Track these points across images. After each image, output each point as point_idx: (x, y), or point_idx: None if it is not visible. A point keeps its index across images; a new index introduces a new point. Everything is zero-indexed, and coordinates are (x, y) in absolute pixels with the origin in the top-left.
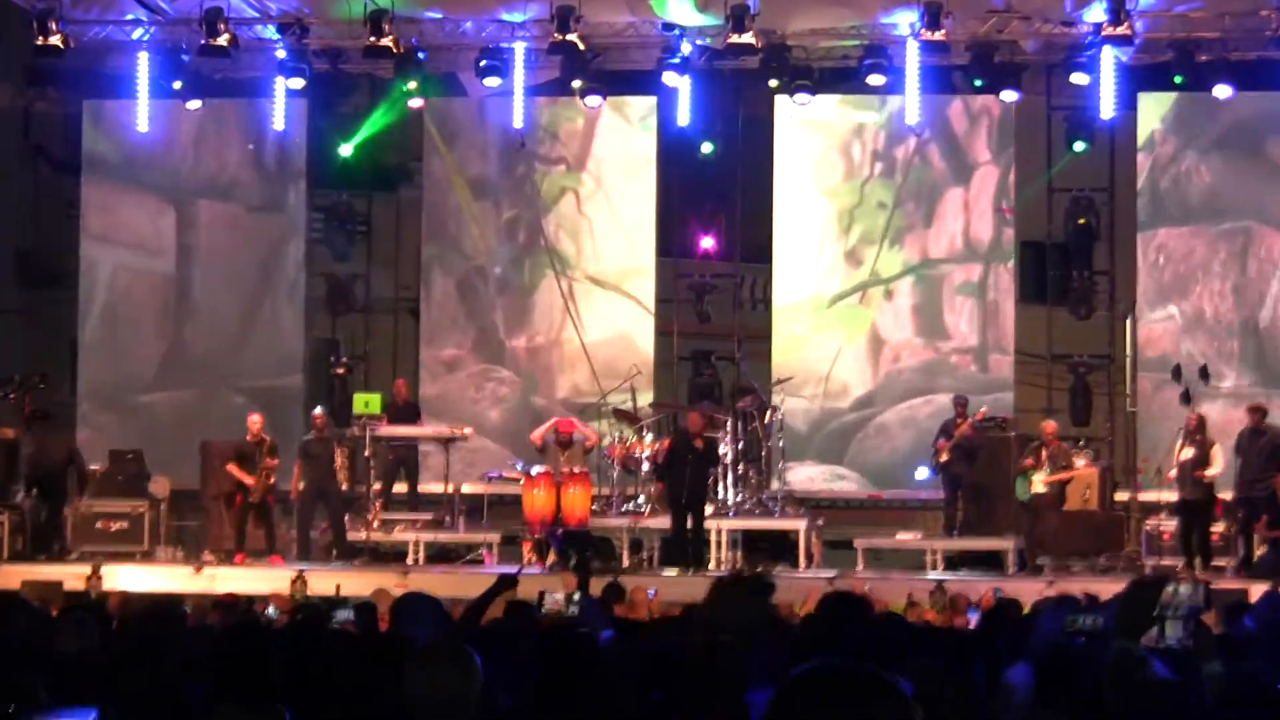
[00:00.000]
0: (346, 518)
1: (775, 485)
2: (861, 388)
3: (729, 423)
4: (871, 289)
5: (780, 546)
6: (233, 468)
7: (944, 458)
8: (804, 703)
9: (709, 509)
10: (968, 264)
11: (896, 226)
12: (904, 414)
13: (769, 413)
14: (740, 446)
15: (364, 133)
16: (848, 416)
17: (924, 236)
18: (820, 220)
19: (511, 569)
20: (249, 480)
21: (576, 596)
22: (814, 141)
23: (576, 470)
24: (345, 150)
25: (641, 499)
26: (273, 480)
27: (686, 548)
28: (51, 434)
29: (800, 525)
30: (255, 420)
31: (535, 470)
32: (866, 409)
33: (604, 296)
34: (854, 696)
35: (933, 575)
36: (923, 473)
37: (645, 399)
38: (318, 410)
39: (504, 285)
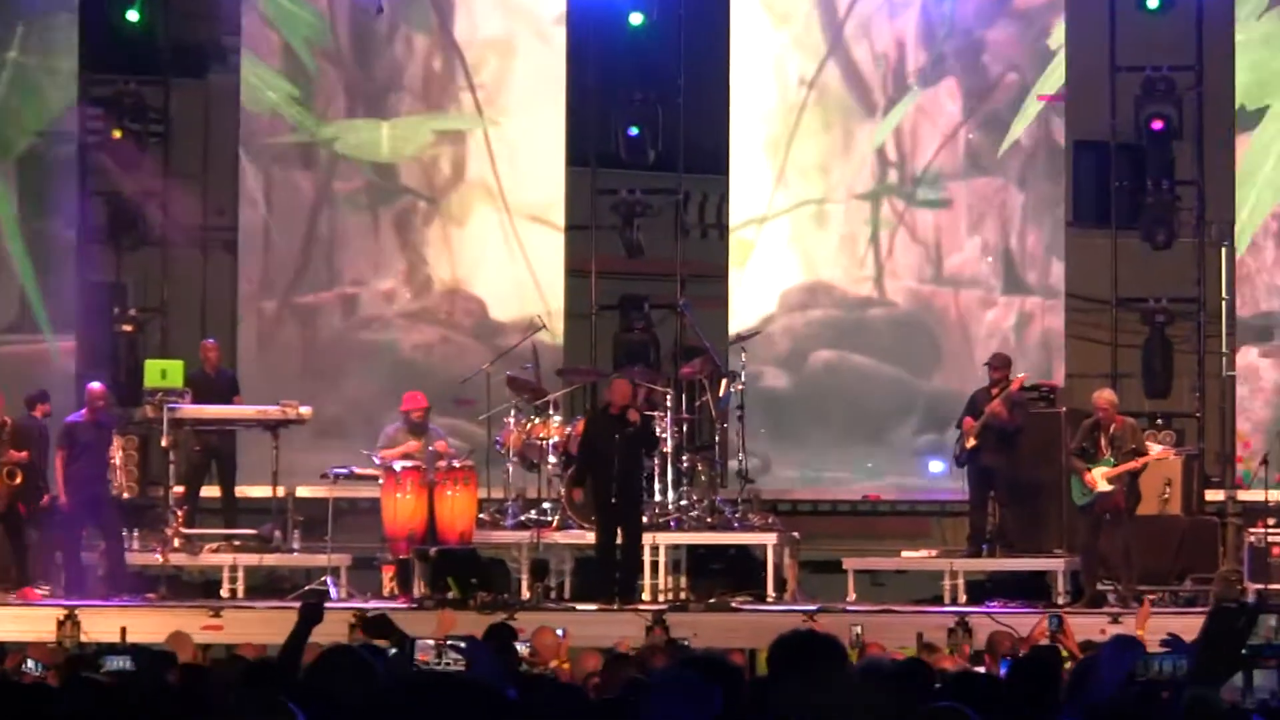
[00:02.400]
0: (136, 534)
1: (735, 483)
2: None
3: (669, 397)
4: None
5: (741, 569)
6: None
7: (971, 442)
8: None
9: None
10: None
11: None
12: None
13: (725, 382)
14: (685, 430)
15: None
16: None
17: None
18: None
19: (330, 589)
20: None
21: (462, 645)
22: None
23: (457, 465)
24: (132, 15)
25: (548, 505)
26: (19, 480)
27: (612, 571)
28: None
29: (769, 540)
30: None
31: (400, 465)
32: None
33: (490, 220)
34: None
35: (953, 609)
36: (937, 465)
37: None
38: (96, 384)
39: (355, 208)
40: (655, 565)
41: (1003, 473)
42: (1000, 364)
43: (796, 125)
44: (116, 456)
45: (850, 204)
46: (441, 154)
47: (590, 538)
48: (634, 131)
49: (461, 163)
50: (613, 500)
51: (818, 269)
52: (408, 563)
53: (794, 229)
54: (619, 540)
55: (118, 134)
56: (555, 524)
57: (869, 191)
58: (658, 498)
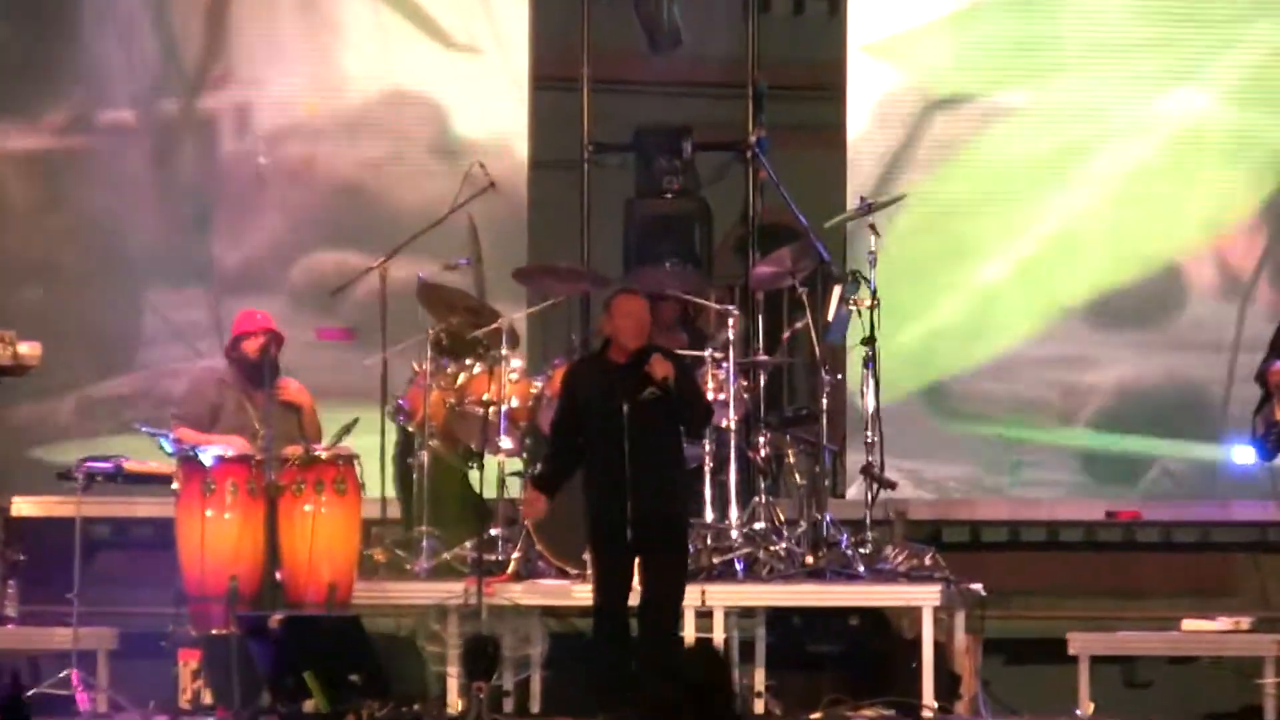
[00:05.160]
0: None
1: (855, 490)
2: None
3: (732, 322)
4: None
5: (873, 656)
6: None
7: None
8: None
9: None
10: None
11: None
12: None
13: (838, 292)
14: (764, 385)
15: None
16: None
17: None
18: None
19: (78, 692)
20: None
21: None
22: None
23: (324, 455)
24: None
25: (497, 530)
26: None
27: (625, 660)
28: None
29: (926, 599)
30: None
31: (213, 455)
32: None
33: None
34: None
35: None
36: (1244, 454)
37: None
38: None
39: None
40: (703, 641)
41: None
42: None
43: None
44: None
45: None
46: None
47: (578, 593)
48: None
49: None
50: (625, 524)
51: None
52: (226, 642)
53: None
54: (640, 598)
55: None
56: (512, 569)
57: None
58: (708, 517)
